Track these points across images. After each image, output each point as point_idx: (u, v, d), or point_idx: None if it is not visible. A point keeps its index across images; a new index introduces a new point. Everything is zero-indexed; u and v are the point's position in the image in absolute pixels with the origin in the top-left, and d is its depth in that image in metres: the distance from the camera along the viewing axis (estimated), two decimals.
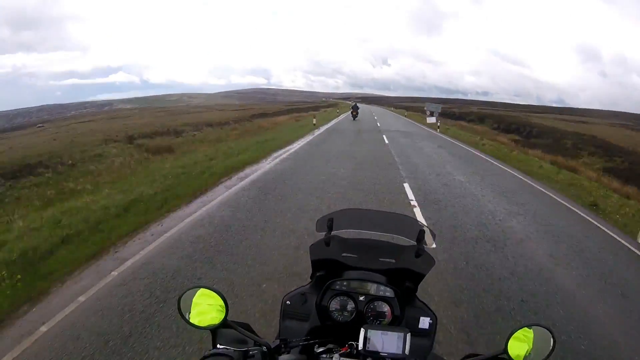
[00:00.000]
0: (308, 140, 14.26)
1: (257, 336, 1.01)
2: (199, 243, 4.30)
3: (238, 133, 21.81)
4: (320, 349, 1.08)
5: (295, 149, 11.89)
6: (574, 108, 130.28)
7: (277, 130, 19.36)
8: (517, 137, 32.13)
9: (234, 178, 7.67)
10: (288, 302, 1.30)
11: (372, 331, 1.00)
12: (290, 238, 4.47)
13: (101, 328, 2.73)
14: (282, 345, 1.05)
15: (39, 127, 71.32)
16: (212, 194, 6.44)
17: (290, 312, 1.29)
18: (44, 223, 5.04)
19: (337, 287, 1.26)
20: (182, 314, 0.98)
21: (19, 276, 3.54)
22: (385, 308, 1.24)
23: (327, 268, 1.34)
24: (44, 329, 2.79)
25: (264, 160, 9.69)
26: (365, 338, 0.99)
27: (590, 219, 6.61)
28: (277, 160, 9.72)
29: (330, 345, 1.09)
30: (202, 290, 0.98)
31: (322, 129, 19.10)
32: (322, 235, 1.41)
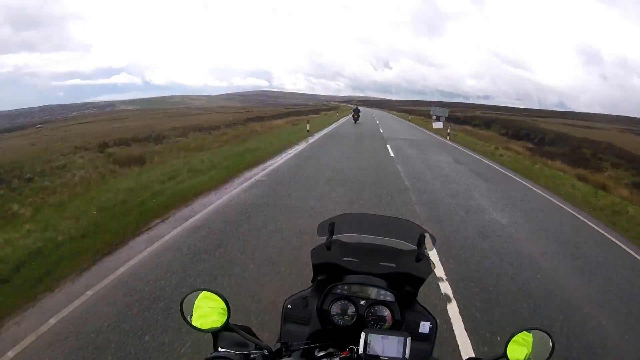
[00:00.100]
0: (299, 150, 11.82)
1: (259, 339, 1.00)
2: None
3: (225, 139, 19.57)
4: (321, 353, 1.07)
5: (279, 163, 9.45)
6: (576, 112, 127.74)
7: (268, 136, 16.92)
8: (529, 145, 29.63)
9: (171, 219, 5.20)
10: (289, 305, 1.28)
11: (373, 335, 0.99)
12: None
13: None
14: (283, 349, 1.04)
15: (38, 127, 69.94)
16: (114, 260, 3.96)
17: (291, 316, 1.27)
18: None
19: (338, 291, 1.25)
20: (184, 316, 0.96)
21: None
22: (386, 312, 1.22)
23: (328, 272, 1.32)
24: None
25: (231, 184, 7.24)
26: (365, 342, 0.98)
27: None
28: (249, 182, 7.27)
29: (330, 349, 1.08)
30: (204, 293, 0.97)
31: (318, 135, 16.64)
32: (323, 239, 1.38)
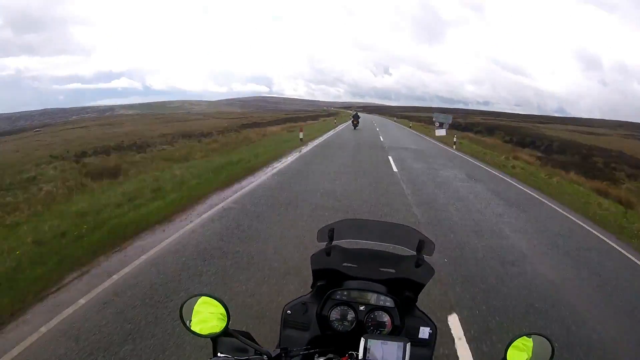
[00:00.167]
0: (287, 163, 10.24)
1: (258, 345, 1.00)
2: None
3: (213, 148, 18.01)
4: (321, 359, 1.06)
5: (259, 181, 7.85)
6: (577, 118, 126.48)
7: (259, 145, 15.33)
8: (537, 153, 28.00)
9: (91, 274, 3.61)
10: (289, 311, 1.27)
11: (372, 341, 0.99)
12: None
13: None
14: (283, 354, 1.01)
15: (36, 131, 68.93)
16: None
17: (291, 322, 1.26)
18: None
19: (338, 296, 1.24)
20: (183, 321, 0.95)
21: None
22: (386, 318, 1.21)
23: (327, 278, 1.32)
24: None
25: (189, 213, 5.60)
26: (365, 348, 0.98)
27: None
28: (213, 212, 5.65)
29: (330, 355, 1.07)
30: (203, 299, 0.96)
31: (312, 144, 15.02)
32: (323, 245, 1.37)
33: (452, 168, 11.31)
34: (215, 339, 0.97)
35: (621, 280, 4.40)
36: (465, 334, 2.80)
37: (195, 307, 0.96)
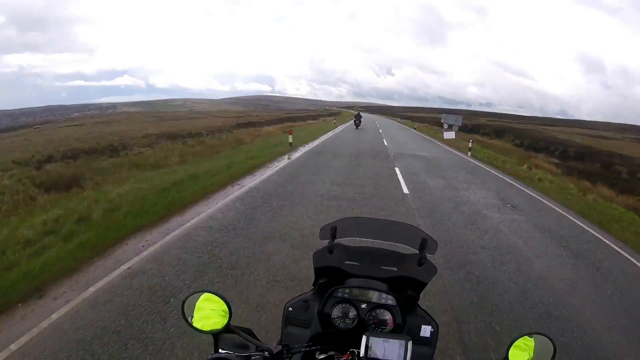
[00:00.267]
0: (264, 177, 8.03)
1: (259, 342, 0.99)
2: None
3: (194, 151, 15.78)
4: (322, 356, 1.06)
5: (215, 209, 5.61)
6: (581, 120, 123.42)
7: (242, 151, 12.99)
8: (554, 160, 25.50)
9: None
10: (290, 308, 1.25)
11: (374, 339, 0.97)
12: None
13: None
14: (284, 351, 1.00)
15: (36, 128, 67.44)
16: None
17: (292, 319, 1.25)
18: None
19: (339, 294, 1.22)
20: (185, 317, 0.95)
21: None
22: (387, 316, 1.19)
23: (329, 275, 1.29)
24: None
25: (68, 285, 3.26)
26: (366, 345, 0.97)
27: None
28: (106, 283, 3.31)
29: (331, 352, 1.07)
30: (205, 295, 0.96)
31: (303, 150, 12.64)
32: (325, 242, 1.35)
33: (477, 186, 8.89)
34: (216, 335, 0.96)
35: None
36: None
37: (197, 304, 0.95)
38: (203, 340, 2.42)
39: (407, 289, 1.25)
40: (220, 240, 4.33)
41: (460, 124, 24.67)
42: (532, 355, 0.91)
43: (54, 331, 2.59)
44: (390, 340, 0.97)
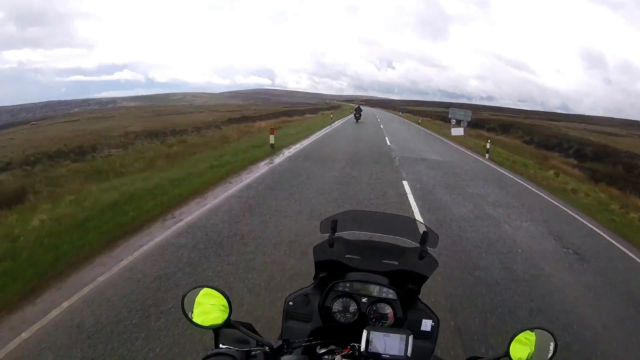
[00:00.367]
0: (222, 198, 5.70)
1: (260, 336, 0.96)
2: None
3: (169, 153, 13.80)
4: (323, 350, 1.04)
5: (112, 276, 3.17)
6: (585, 115, 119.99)
7: (217, 154, 10.59)
8: (571, 160, 23.00)
9: None
10: (291, 302, 1.23)
11: (375, 333, 0.96)
12: None
13: None
14: (285, 346, 0.99)
15: (33, 124, 65.62)
16: None
17: (293, 313, 1.22)
18: None
19: (340, 288, 1.19)
20: (185, 313, 0.92)
21: None
22: (388, 310, 1.17)
23: (330, 269, 1.27)
24: None
25: None
26: (367, 340, 0.95)
27: None
28: None
29: (332, 347, 1.05)
30: (205, 290, 0.93)
31: (289, 153, 10.20)
32: (326, 236, 1.33)
33: (515, 211, 6.38)
34: (217, 330, 0.94)
35: None
36: None
37: (197, 299, 0.92)
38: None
39: (408, 282, 1.23)
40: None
41: (469, 119, 22.14)
42: (533, 349, 0.89)
43: None
44: (391, 334, 0.95)
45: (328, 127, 20.53)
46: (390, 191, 6.65)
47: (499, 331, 2.79)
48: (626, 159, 23.74)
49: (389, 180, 7.44)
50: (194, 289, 0.94)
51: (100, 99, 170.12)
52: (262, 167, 8.03)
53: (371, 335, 0.95)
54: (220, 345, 0.94)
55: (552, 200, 7.84)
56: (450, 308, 3.06)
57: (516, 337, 0.90)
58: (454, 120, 22.00)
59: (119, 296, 2.95)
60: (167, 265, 3.51)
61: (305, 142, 12.77)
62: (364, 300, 1.17)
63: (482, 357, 0.96)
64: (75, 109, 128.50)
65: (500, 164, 12.07)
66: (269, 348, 0.93)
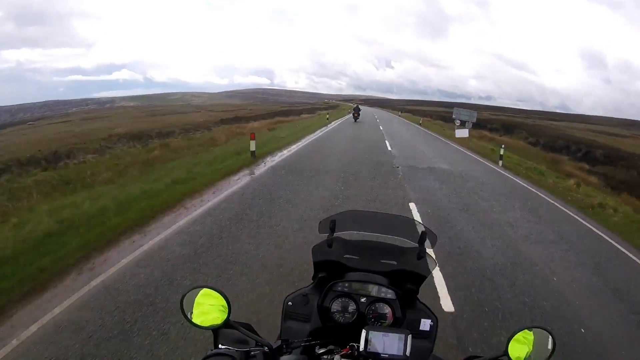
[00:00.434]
0: (166, 235, 4.20)
1: (259, 336, 0.96)
2: None
3: (149, 159, 12.31)
4: (322, 350, 1.02)
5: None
6: (586, 115, 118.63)
7: (191, 163, 8.98)
8: (581, 164, 21.48)
9: None
10: (290, 303, 1.21)
11: (373, 332, 0.95)
12: None
13: None
14: (284, 346, 0.97)
15: (30, 124, 64.61)
16: None
17: (292, 313, 1.20)
18: None
19: (339, 288, 1.18)
20: (184, 313, 0.91)
21: None
22: (387, 310, 1.16)
23: (329, 269, 1.25)
24: None
25: None
26: (366, 339, 0.94)
27: None
28: None
29: (331, 347, 1.02)
30: (204, 290, 0.92)
31: (273, 162, 8.64)
32: (324, 236, 1.30)
33: (554, 249, 4.81)
34: (216, 330, 0.93)
35: None
36: None
37: (196, 299, 0.91)
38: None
39: (406, 282, 1.22)
40: None
41: (474, 120, 20.58)
42: (531, 348, 0.88)
43: None
44: (390, 334, 0.94)
45: (324, 128, 18.98)
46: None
47: None
48: (638, 162, 22.22)
49: (392, 202, 5.84)
50: (194, 289, 0.92)
51: (99, 98, 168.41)
52: (234, 183, 6.47)
53: (370, 335, 0.93)
54: (220, 346, 0.93)
55: (588, 224, 6.32)
56: None
57: (514, 337, 0.88)
58: (458, 121, 20.43)
59: None
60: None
61: (295, 148, 11.19)
62: (362, 300, 1.15)
63: (481, 357, 0.95)
64: (74, 109, 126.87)
65: (516, 173, 10.54)
66: (268, 348, 0.91)
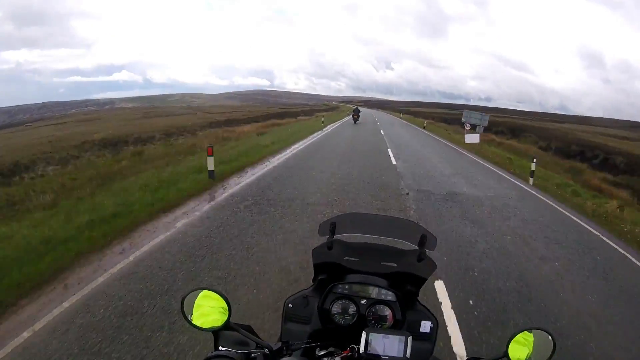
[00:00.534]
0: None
1: (259, 338, 0.94)
2: None
3: (111, 172, 10.16)
4: (322, 352, 1.00)
5: None
6: (588, 117, 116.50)
7: (158, 173, 6.79)
8: (603, 173, 19.25)
9: None
10: (290, 305, 1.20)
11: (374, 334, 0.94)
12: None
13: None
14: (284, 348, 0.95)
15: (27, 125, 63.44)
16: None
17: (292, 315, 1.19)
18: None
19: (339, 290, 1.17)
20: (184, 315, 0.90)
21: None
22: (387, 312, 1.14)
23: (329, 271, 1.24)
24: None
25: None
26: (366, 341, 0.93)
27: None
28: None
29: (331, 349, 1.01)
30: (204, 292, 0.91)
31: (240, 184, 6.40)
32: (324, 239, 1.28)
33: None
34: (216, 332, 0.93)
35: None
36: None
37: (196, 301, 0.89)
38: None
39: (406, 284, 1.21)
40: None
41: (486, 124, 18.45)
42: (531, 350, 0.88)
43: None
44: (390, 336, 0.94)
45: (317, 133, 16.77)
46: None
47: None
48: None
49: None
50: (194, 291, 0.91)
51: (98, 100, 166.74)
52: (161, 231, 4.25)
53: (370, 337, 0.93)
54: (220, 348, 0.92)
55: None
56: None
57: (515, 338, 0.88)
58: (468, 125, 18.24)
59: None
60: None
61: (276, 161, 8.97)
62: (363, 302, 1.15)
63: (481, 358, 0.96)
64: (73, 110, 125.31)
65: (552, 194, 8.34)
66: (269, 350, 0.90)
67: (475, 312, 3.00)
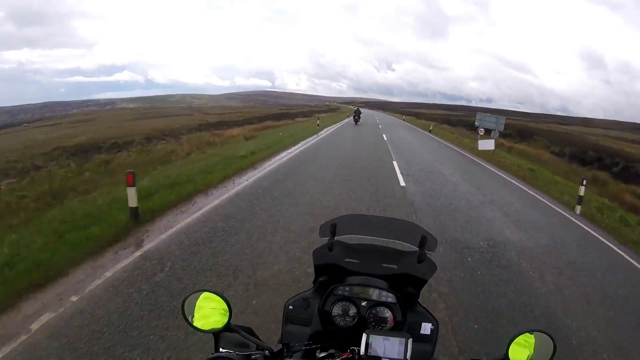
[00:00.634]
0: None
1: (260, 340, 0.93)
2: None
3: (63, 187, 8.30)
4: (322, 354, 0.99)
5: None
6: (594, 119, 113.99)
7: (91, 199, 4.63)
8: (630, 186, 17.10)
9: None
10: (290, 307, 1.18)
11: (374, 336, 0.93)
12: None
13: None
14: (285, 350, 0.94)
15: (25, 126, 62.59)
16: None
17: (293, 317, 1.18)
18: None
19: (340, 292, 1.16)
20: (185, 317, 0.89)
21: None
22: (387, 313, 1.13)
23: (329, 273, 1.23)
24: None
25: None
26: (367, 343, 0.92)
27: None
28: None
29: (332, 350, 1.00)
30: (205, 294, 0.90)
31: (165, 233, 4.23)
32: (325, 240, 1.26)
33: None
34: (217, 334, 0.90)
35: None
36: None
37: (197, 303, 0.88)
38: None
39: (407, 286, 1.20)
40: None
41: (502, 128, 16.30)
42: (532, 352, 0.86)
43: None
44: (391, 338, 0.93)
45: (310, 139, 14.67)
46: None
47: None
48: None
49: None
50: (194, 293, 0.90)
51: (99, 100, 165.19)
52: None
53: (371, 339, 0.92)
54: (220, 349, 0.90)
55: None
56: None
57: (515, 340, 0.87)
58: (482, 129, 16.08)
59: None
60: None
61: (244, 181, 6.79)
62: (363, 303, 1.14)
63: (482, 359, 1.00)
64: (74, 110, 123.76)
65: (607, 230, 6.21)
66: (269, 352, 0.89)
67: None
